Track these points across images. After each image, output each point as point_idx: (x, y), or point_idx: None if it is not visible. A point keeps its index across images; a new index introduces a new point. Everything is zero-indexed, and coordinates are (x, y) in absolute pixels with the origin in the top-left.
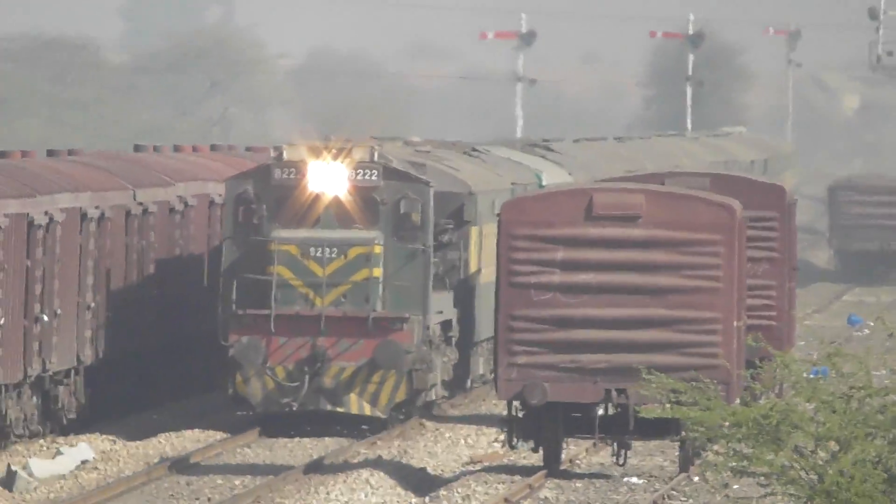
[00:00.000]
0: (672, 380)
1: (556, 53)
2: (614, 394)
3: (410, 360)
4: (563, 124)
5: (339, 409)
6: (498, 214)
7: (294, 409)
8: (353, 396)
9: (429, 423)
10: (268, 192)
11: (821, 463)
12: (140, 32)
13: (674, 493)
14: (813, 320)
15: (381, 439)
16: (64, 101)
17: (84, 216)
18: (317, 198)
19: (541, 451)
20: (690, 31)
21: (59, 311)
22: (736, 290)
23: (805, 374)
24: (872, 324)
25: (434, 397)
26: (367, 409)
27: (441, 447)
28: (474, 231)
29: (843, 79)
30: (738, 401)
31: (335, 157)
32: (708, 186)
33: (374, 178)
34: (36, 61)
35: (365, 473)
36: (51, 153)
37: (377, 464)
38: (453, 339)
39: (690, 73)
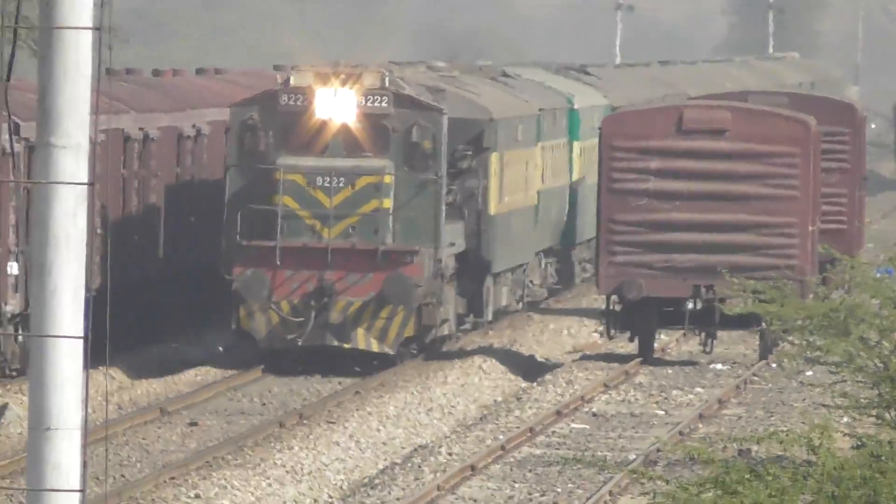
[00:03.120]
0: (753, 280)
1: None
2: (702, 289)
3: (420, 294)
4: (657, 48)
5: (345, 345)
6: (599, 128)
7: (299, 344)
8: (360, 332)
9: (536, 316)
10: (274, 119)
11: (885, 353)
12: None
13: (754, 378)
14: (880, 225)
15: (492, 329)
16: (211, 25)
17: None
18: (324, 125)
19: (636, 341)
20: None
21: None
22: (811, 198)
23: (872, 273)
24: None
25: (446, 332)
26: (375, 345)
27: (546, 337)
28: (494, 158)
29: None
30: (811, 297)
31: (344, 83)
32: (787, 104)
33: (384, 104)
34: None
35: (478, 360)
36: (199, 72)
37: (489, 351)
38: (469, 271)
39: (772, 0)
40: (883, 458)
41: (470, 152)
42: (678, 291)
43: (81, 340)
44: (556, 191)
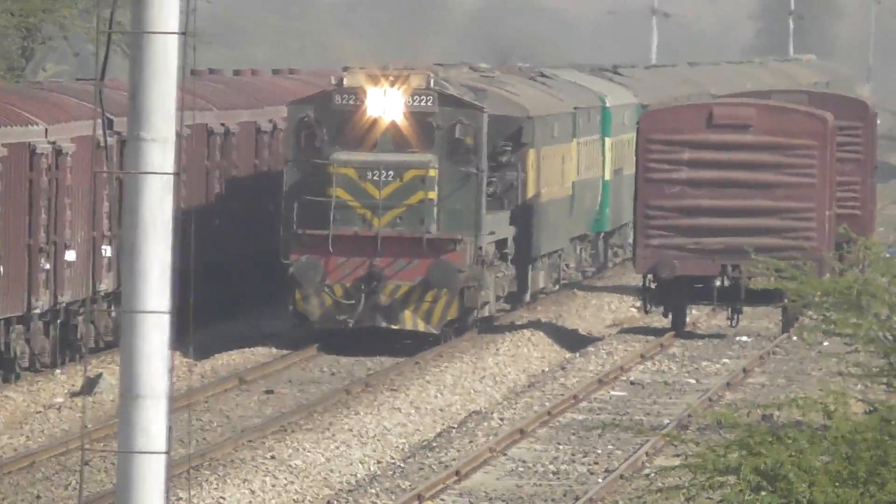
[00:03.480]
0: (775, 259)
1: None
2: (729, 269)
3: (463, 279)
4: (689, 51)
5: (393, 326)
6: (637, 123)
7: (351, 325)
8: (407, 314)
9: (579, 293)
10: (328, 117)
11: (895, 326)
12: None
13: (777, 349)
14: (890, 210)
15: (541, 304)
16: (287, 30)
17: None
18: (374, 122)
19: (669, 316)
20: None
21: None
22: (828, 186)
23: (883, 254)
24: None
25: (487, 313)
26: (421, 326)
27: (589, 312)
28: (532, 153)
29: None
30: (827, 275)
31: (392, 84)
32: (806, 101)
33: (429, 104)
34: None
35: (527, 333)
36: (275, 72)
37: (537, 325)
38: (509, 257)
39: (793, 7)
40: (893, 422)
41: (509, 147)
42: (707, 270)
43: (167, 315)
44: (589, 182)
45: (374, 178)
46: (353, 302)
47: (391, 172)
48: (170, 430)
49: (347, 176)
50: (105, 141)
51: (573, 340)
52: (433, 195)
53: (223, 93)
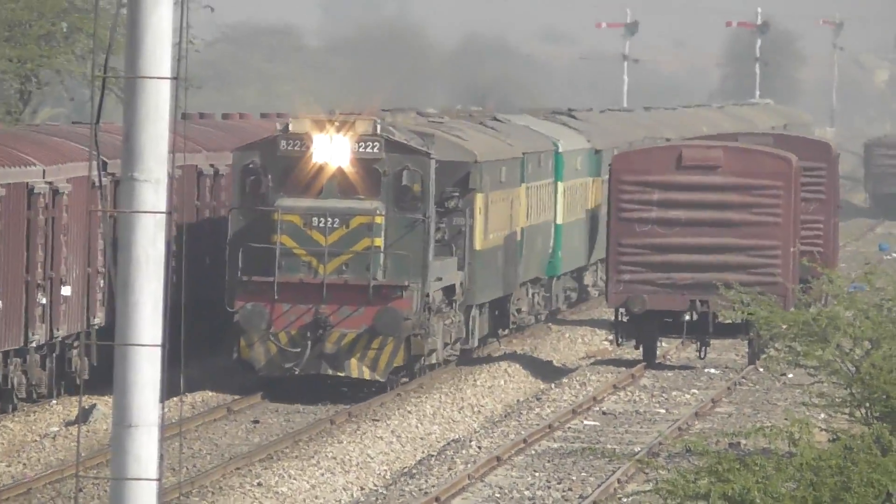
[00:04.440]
0: (743, 293)
1: (654, 39)
2: (698, 303)
3: (409, 326)
4: (659, 96)
5: (339, 374)
6: (610, 164)
7: (296, 373)
8: (353, 361)
9: (554, 326)
10: (273, 164)
11: (857, 358)
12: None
13: (743, 380)
14: (852, 247)
15: (516, 338)
16: (273, 75)
17: None
18: (320, 169)
19: (640, 348)
20: (759, 22)
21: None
22: (792, 224)
23: (846, 288)
24: None
25: (435, 361)
26: (367, 374)
27: (563, 345)
28: (479, 198)
29: (875, 59)
30: (792, 309)
31: (339, 130)
32: (772, 143)
33: (376, 150)
34: (252, 44)
35: (504, 365)
36: (263, 116)
37: (513, 357)
38: (457, 303)
39: (758, 54)
40: (854, 450)
41: (457, 193)
42: (677, 305)
43: (159, 348)
44: (540, 227)
45: (320, 224)
46: (299, 349)
47: (337, 219)
48: (161, 457)
49: (293, 223)
50: (100, 181)
51: (548, 372)
52: (379, 242)
53: (213, 135)
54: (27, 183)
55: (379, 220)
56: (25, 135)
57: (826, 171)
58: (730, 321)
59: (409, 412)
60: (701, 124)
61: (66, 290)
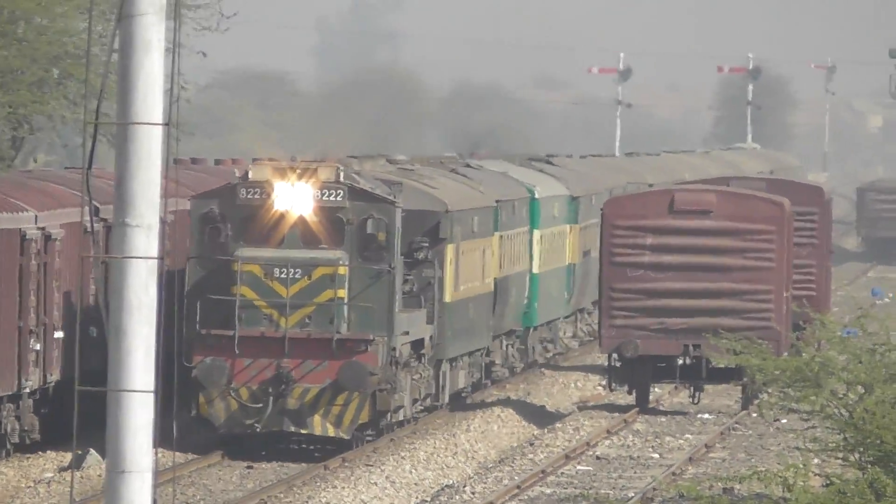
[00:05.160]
0: (736, 339)
1: (647, 84)
2: (691, 348)
3: (375, 381)
4: (652, 141)
5: (302, 431)
6: (601, 209)
7: (258, 430)
8: (316, 418)
9: (547, 371)
10: (233, 212)
11: (851, 402)
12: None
13: (737, 425)
14: (844, 291)
15: (509, 383)
16: (266, 120)
17: None
18: (282, 217)
19: (634, 393)
20: (750, 67)
21: None
22: (785, 268)
23: (838, 333)
24: (892, 294)
25: (402, 417)
26: (331, 430)
27: (556, 390)
28: (450, 249)
29: (868, 103)
30: (786, 354)
31: (300, 177)
32: (764, 188)
33: (339, 198)
34: (245, 89)
35: (497, 410)
36: (255, 160)
37: (507, 402)
38: (425, 357)
39: (750, 98)
40: (848, 494)
41: (426, 243)
42: (670, 350)
43: (152, 394)
44: (514, 277)
45: (282, 275)
46: (260, 405)
47: (299, 270)
48: (154, 503)
49: (253, 273)
50: (92, 227)
51: (541, 417)
52: (343, 293)
53: (205, 180)
54: (20, 229)
55: (342, 270)
56: (18, 180)
57: (819, 215)
58: (723, 366)
59: (403, 457)
60: (684, 170)
61: (58, 334)
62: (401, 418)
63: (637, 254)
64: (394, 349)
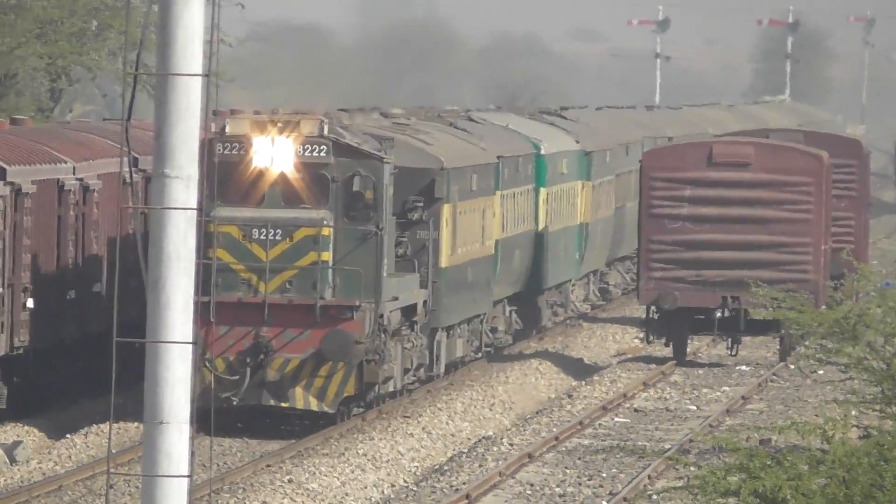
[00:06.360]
0: (774, 290)
1: (686, 36)
2: (729, 300)
3: (361, 351)
4: (692, 93)
5: (283, 405)
6: (640, 161)
7: (235, 404)
8: (298, 390)
9: (585, 324)
10: (209, 169)
11: (888, 355)
12: (364, 20)
13: (774, 377)
14: (882, 244)
15: (547, 335)
16: (303, 73)
17: None
18: (261, 175)
19: (671, 346)
20: (790, 20)
21: None
22: (823, 221)
23: (877, 285)
24: None
25: (392, 389)
26: (314, 404)
27: (594, 342)
28: (446, 209)
29: None
30: (824, 306)
31: (281, 132)
32: (802, 140)
33: (323, 153)
34: (282, 42)
35: (535, 362)
36: (234, 111)
37: (544, 355)
38: (418, 325)
39: (789, 51)
40: (886, 446)
41: (421, 203)
42: (708, 302)
43: (191, 345)
44: (518, 238)
45: (261, 237)
46: (238, 377)
47: (279, 231)
48: (192, 454)
49: (230, 235)
50: (131, 178)
51: (579, 369)
52: (327, 256)
53: None
54: (58, 179)
55: (326, 231)
56: (56, 132)
57: (857, 168)
58: (761, 318)
59: (440, 409)
60: (706, 124)
61: (96, 287)
62: (391, 390)
63: (675, 206)
64: (382, 316)
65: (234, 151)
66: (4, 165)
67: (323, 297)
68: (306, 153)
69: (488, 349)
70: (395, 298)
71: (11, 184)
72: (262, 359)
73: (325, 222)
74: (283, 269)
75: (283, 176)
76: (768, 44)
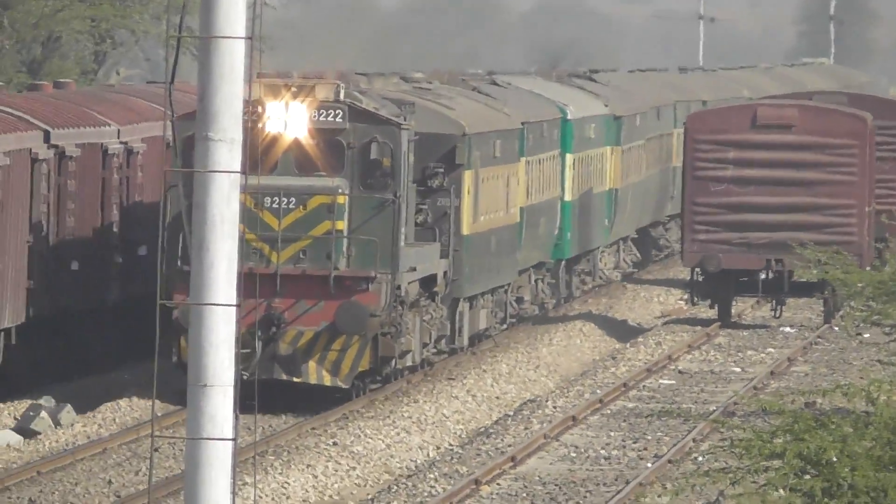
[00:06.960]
0: (819, 252)
1: None
2: (773, 262)
3: (376, 323)
4: (737, 55)
5: (295, 379)
6: (684, 123)
7: (245, 378)
8: (311, 365)
9: (629, 286)
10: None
11: None
12: None
13: (819, 339)
14: None
15: (591, 297)
16: (346, 35)
17: None
18: (273, 141)
19: (715, 308)
20: None
21: None
22: (867, 183)
23: None
24: None
25: (410, 363)
26: (328, 379)
27: (638, 304)
28: (468, 175)
29: None
30: (869, 268)
31: (295, 96)
32: (846, 102)
33: (338, 119)
34: (327, 4)
35: (579, 324)
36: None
37: (589, 317)
38: (439, 296)
39: (832, 13)
40: None
41: (442, 169)
42: (752, 264)
43: (234, 308)
44: (543, 206)
45: (273, 205)
46: (248, 351)
47: (293, 199)
48: (236, 417)
49: (241, 203)
50: (174, 140)
51: (623, 331)
52: (342, 225)
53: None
54: (102, 143)
55: (342, 200)
56: (100, 95)
57: None
58: (805, 280)
59: (485, 371)
60: (742, 88)
61: (142, 250)
62: (409, 364)
63: (720, 168)
64: (398, 287)
65: (245, 117)
66: (48, 128)
67: (337, 267)
68: (321, 118)
69: (513, 320)
70: (413, 269)
71: (55, 147)
72: (274, 332)
73: (339, 190)
74: (297, 239)
75: (296, 142)
76: (812, 4)
